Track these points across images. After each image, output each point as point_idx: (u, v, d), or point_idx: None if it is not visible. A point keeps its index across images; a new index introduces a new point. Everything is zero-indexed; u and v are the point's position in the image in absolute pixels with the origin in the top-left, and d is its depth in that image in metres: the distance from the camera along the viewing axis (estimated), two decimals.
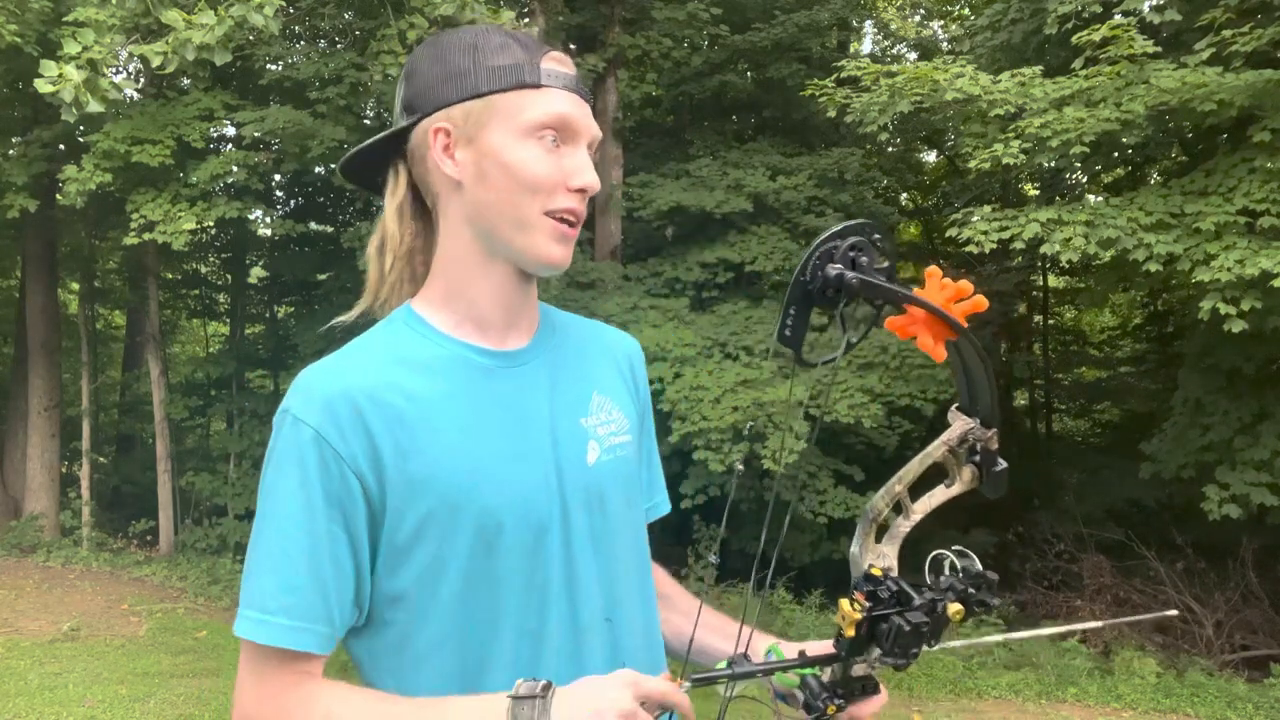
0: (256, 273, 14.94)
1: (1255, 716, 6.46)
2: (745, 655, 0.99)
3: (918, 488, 1.00)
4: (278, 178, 12.14)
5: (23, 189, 10.33)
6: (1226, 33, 6.84)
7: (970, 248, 7.20)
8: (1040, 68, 7.56)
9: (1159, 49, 7.15)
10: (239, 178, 10.03)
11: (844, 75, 8.05)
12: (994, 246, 7.05)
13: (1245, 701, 6.62)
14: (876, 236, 0.93)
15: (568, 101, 1.09)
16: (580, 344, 1.23)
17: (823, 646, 1.05)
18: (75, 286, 15.25)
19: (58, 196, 10.86)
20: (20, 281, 14.06)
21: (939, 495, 0.99)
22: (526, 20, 9.36)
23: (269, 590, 1.01)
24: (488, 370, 1.11)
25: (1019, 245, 7.08)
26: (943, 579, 0.98)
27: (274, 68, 11.35)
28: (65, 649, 8.00)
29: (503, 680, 1.00)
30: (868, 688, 0.96)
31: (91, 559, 11.26)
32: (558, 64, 1.10)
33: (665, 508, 1.33)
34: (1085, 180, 10.99)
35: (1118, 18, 7.32)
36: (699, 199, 9.69)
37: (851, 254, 0.91)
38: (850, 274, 0.90)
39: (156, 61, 5.76)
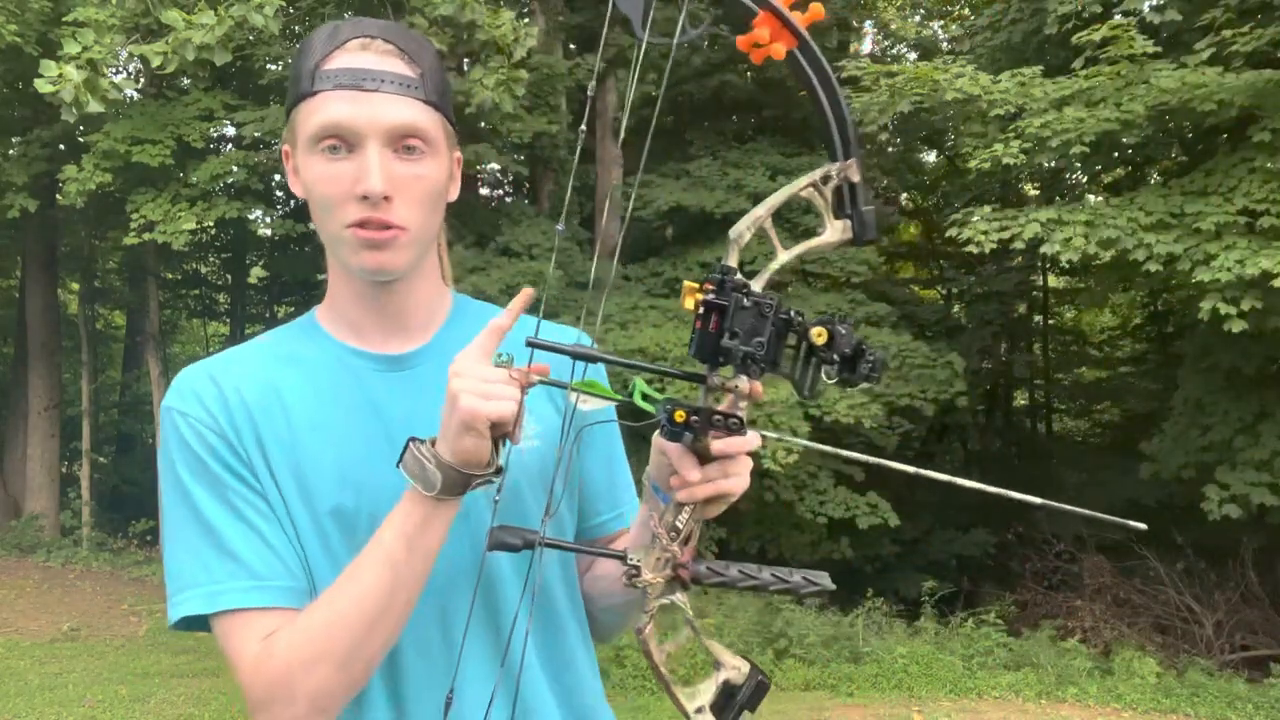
0: (256, 273, 14.95)
1: (1255, 716, 6.46)
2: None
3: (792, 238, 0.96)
4: (278, 178, 12.14)
5: (23, 189, 10.33)
6: (1226, 33, 6.84)
7: (970, 248, 7.20)
8: (1040, 68, 7.57)
9: (1159, 49, 7.15)
10: (239, 178, 10.03)
11: (844, 75, 8.05)
12: (994, 246, 7.05)
13: (1245, 701, 6.62)
14: None
15: (340, 103, 1.01)
16: None
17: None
18: (75, 286, 15.26)
19: (58, 196, 10.86)
20: (20, 281, 14.07)
21: (808, 243, 0.94)
22: (526, 20, 9.35)
23: (206, 565, 1.00)
24: (360, 372, 1.10)
25: (1019, 245, 7.08)
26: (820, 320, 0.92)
27: (274, 68, 11.35)
28: (65, 649, 8.00)
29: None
30: (731, 425, 0.90)
31: (91, 559, 11.26)
32: (347, 57, 1.03)
33: (629, 520, 1.23)
34: (1085, 180, 10.99)
35: (1118, 18, 7.33)
36: (699, 199, 9.69)
37: None
38: None
39: (156, 61, 5.76)
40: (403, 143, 1.02)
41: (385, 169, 1.01)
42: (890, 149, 12.46)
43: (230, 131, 12.18)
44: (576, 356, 0.94)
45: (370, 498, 1.03)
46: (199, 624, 1.02)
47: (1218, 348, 7.71)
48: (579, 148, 1.13)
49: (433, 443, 0.94)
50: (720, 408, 0.91)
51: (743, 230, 0.92)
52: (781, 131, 11.70)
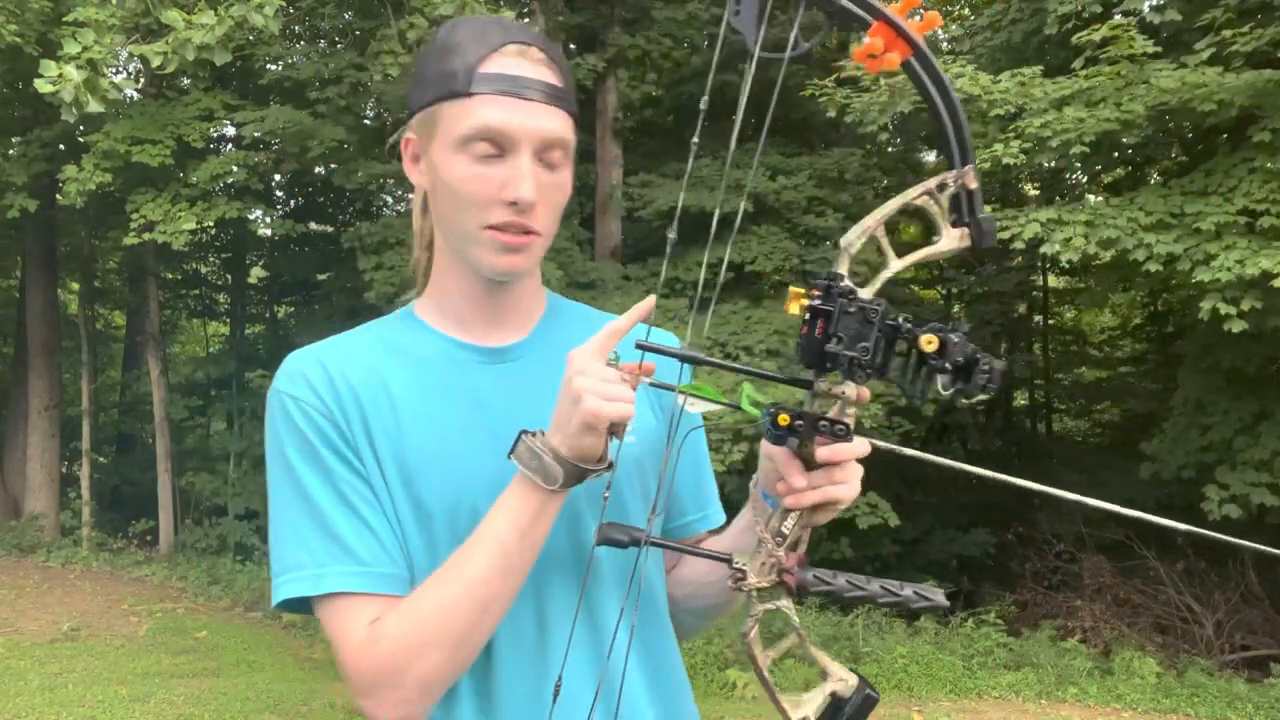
0: (256, 273, 14.95)
1: (1255, 716, 6.46)
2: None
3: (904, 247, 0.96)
4: (278, 178, 12.15)
5: (23, 189, 10.34)
6: (1226, 33, 6.84)
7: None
8: (1040, 68, 7.56)
9: (1159, 49, 7.15)
10: (239, 178, 10.03)
11: (844, 75, 8.05)
12: (994, 246, 7.04)
13: (1245, 701, 6.62)
14: None
15: (500, 109, 1.03)
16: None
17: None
18: (75, 286, 15.26)
19: (58, 196, 10.87)
20: (20, 281, 14.07)
21: (923, 251, 0.94)
22: (527, 20, 9.36)
23: (311, 548, 1.03)
24: (465, 364, 1.12)
25: (1019, 245, 7.08)
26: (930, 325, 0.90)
27: (274, 68, 11.35)
28: (65, 649, 8.00)
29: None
30: (837, 431, 0.91)
31: (91, 559, 11.26)
32: (505, 62, 1.04)
33: (718, 519, 1.28)
34: (1085, 180, 10.99)
35: (1118, 18, 7.33)
36: (699, 199, 9.69)
37: None
38: None
39: (156, 61, 5.76)
40: (548, 153, 1.06)
41: (534, 177, 1.04)
42: (890, 149, 12.45)
43: (230, 131, 12.18)
44: (685, 359, 0.96)
45: (471, 488, 1.05)
46: (302, 606, 1.05)
47: (1218, 348, 7.71)
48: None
49: (543, 435, 0.97)
50: (828, 414, 0.91)
51: (852, 239, 0.93)
52: (782, 131, 11.69)
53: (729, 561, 0.95)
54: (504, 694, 1.06)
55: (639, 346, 0.96)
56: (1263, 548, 1.05)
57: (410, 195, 1.19)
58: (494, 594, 0.98)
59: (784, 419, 0.90)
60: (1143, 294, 11.78)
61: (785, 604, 0.94)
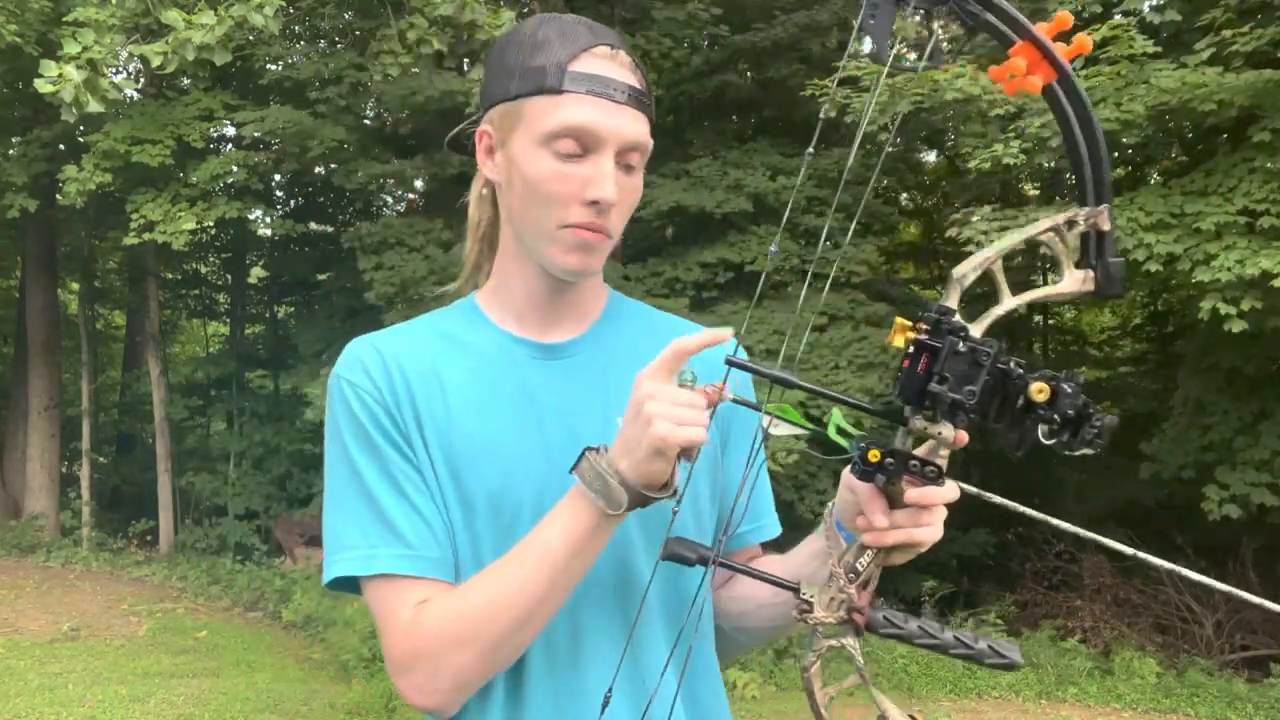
0: (256, 273, 14.94)
1: (1255, 716, 6.46)
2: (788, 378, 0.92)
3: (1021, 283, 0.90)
4: (278, 178, 12.14)
5: (23, 189, 10.34)
6: (1226, 33, 6.83)
7: (970, 248, 7.19)
8: None
9: (1159, 49, 7.14)
10: (239, 178, 10.03)
11: (844, 75, 8.05)
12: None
13: (1245, 701, 6.62)
14: None
15: (590, 109, 1.04)
16: (650, 341, 1.16)
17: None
18: (75, 286, 15.26)
19: (58, 196, 10.86)
20: (20, 281, 14.07)
21: (1041, 290, 0.89)
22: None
23: (364, 529, 1.05)
24: (519, 359, 1.13)
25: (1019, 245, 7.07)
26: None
27: (274, 68, 11.35)
28: (65, 649, 8.00)
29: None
30: (928, 473, 0.87)
31: (91, 559, 11.26)
32: (595, 63, 1.05)
33: (773, 530, 1.26)
34: None
35: (1118, 18, 7.32)
36: (699, 199, 9.68)
37: None
38: None
39: (156, 61, 5.76)
40: (627, 156, 1.07)
41: (616, 179, 1.05)
42: (890, 149, 12.44)
43: (230, 131, 12.17)
44: (776, 381, 0.94)
45: (516, 482, 1.07)
46: (351, 586, 1.07)
47: (1218, 348, 7.71)
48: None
49: (608, 454, 0.95)
50: (918, 452, 0.88)
51: (966, 270, 0.89)
52: (782, 132, 11.69)
53: (796, 591, 0.93)
54: (534, 700, 1.06)
55: (726, 362, 0.94)
56: (1181, 569, 1.07)
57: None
58: (538, 604, 0.98)
59: (875, 455, 0.87)
60: (1143, 294, 11.77)
61: (851, 642, 0.92)
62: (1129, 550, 0.99)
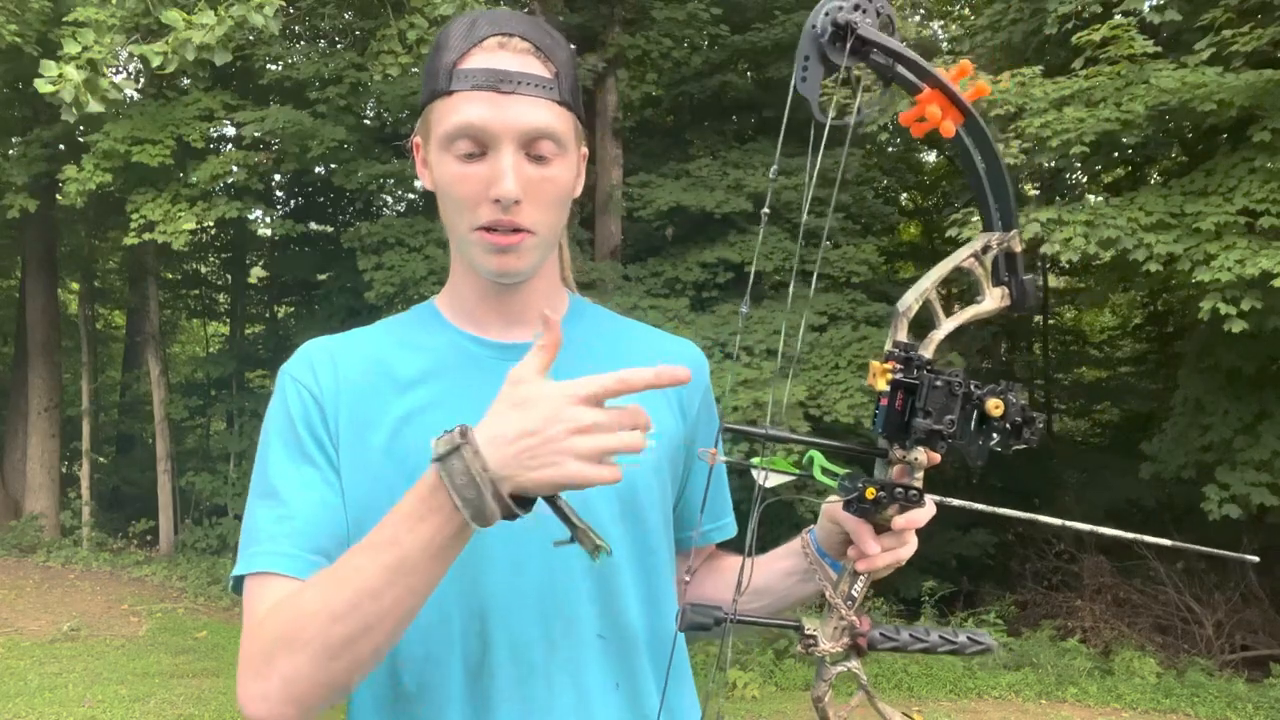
0: (256, 273, 14.95)
1: (1255, 716, 6.46)
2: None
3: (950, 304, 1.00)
4: (278, 178, 12.14)
5: (23, 189, 10.34)
6: (1226, 33, 6.83)
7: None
8: (1040, 68, 7.56)
9: (1159, 49, 7.14)
10: (239, 178, 10.02)
11: (844, 75, 8.04)
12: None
13: (1245, 701, 6.62)
14: (881, 4, 0.92)
15: (478, 105, 1.00)
16: (611, 346, 1.18)
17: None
18: (75, 286, 15.26)
19: (58, 196, 10.86)
20: (20, 281, 14.06)
21: (969, 311, 0.98)
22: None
23: (257, 528, 1.01)
24: (477, 359, 1.11)
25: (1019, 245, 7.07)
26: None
27: (274, 68, 11.35)
28: (65, 649, 8.00)
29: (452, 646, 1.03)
30: (911, 497, 0.94)
31: (91, 559, 11.26)
32: (483, 56, 1.02)
33: (730, 531, 1.27)
34: (1085, 180, 10.99)
35: (1118, 18, 7.32)
36: (699, 199, 9.68)
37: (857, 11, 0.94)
38: (855, 17, 0.92)
39: (156, 61, 5.76)
40: (535, 146, 1.02)
41: (518, 172, 1.01)
42: (890, 149, 12.45)
43: (230, 131, 12.17)
44: (767, 439, 0.96)
45: None
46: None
47: (1218, 348, 7.71)
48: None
49: (484, 455, 0.84)
50: (896, 478, 0.95)
51: (910, 302, 0.97)
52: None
53: (799, 629, 0.97)
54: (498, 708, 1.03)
55: (724, 428, 0.97)
56: (1196, 548, 1.09)
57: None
58: (384, 611, 0.87)
59: (871, 492, 0.93)
60: (1143, 294, 11.77)
61: (855, 664, 0.97)
62: (1129, 536, 1.03)
